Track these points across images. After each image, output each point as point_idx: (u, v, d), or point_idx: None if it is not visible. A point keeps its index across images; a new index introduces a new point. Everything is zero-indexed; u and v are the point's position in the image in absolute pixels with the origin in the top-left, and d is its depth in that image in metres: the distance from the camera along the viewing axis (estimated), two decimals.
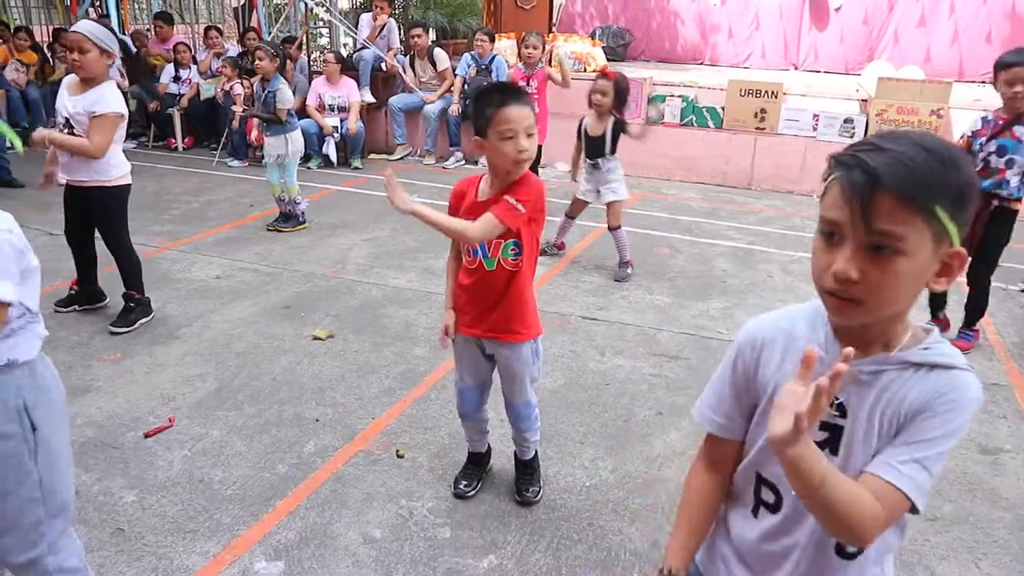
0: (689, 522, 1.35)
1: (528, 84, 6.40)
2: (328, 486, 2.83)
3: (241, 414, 3.31)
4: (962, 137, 3.94)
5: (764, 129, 7.76)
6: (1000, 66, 3.67)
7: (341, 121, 8.14)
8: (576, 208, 5.31)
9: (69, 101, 3.81)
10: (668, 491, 2.84)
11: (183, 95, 8.91)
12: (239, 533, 2.57)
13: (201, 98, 8.86)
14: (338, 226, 6.09)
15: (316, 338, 4.03)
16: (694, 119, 8.07)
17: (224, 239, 5.72)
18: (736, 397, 1.30)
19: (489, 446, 2.91)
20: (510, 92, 2.29)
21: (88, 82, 3.79)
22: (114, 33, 3.92)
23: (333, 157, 8.16)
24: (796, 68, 11.02)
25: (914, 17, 10.24)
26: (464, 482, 2.81)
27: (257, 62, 5.77)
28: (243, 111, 6.61)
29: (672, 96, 8.13)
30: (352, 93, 8.24)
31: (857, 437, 1.15)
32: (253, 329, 4.14)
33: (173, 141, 9.00)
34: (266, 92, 5.76)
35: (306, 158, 8.22)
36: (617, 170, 5.01)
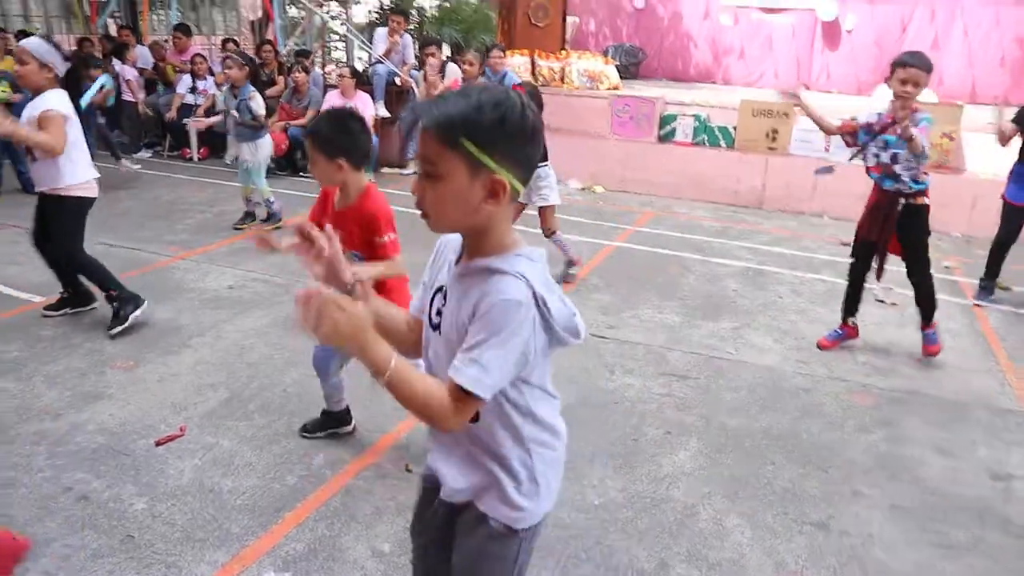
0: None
1: None
2: (337, 499, 2.84)
3: (252, 424, 3.33)
4: (853, 119, 4.11)
5: (775, 149, 7.77)
6: (898, 64, 3.83)
7: None
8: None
9: (25, 110, 3.97)
10: (676, 511, 2.84)
11: (199, 106, 8.99)
12: (248, 543, 2.58)
13: (217, 109, 8.94)
14: None
15: None
16: (706, 138, 8.10)
17: (237, 249, 5.76)
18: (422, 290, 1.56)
19: None
20: (314, 124, 2.82)
21: (34, 92, 3.96)
22: (62, 51, 4.05)
23: None
24: (808, 88, 11.05)
25: (927, 40, 10.27)
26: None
27: (226, 70, 5.98)
28: (216, 119, 6.81)
29: (684, 115, 8.16)
30: (366, 107, 8.29)
31: (448, 320, 1.41)
32: (265, 340, 4.17)
33: (188, 151, 9.08)
34: (239, 100, 5.99)
35: None
36: (548, 176, 5.12)
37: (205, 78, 9.17)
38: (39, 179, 4.04)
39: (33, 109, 3.91)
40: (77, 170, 4.03)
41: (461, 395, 1.32)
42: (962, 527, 2.83)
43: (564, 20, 10.24)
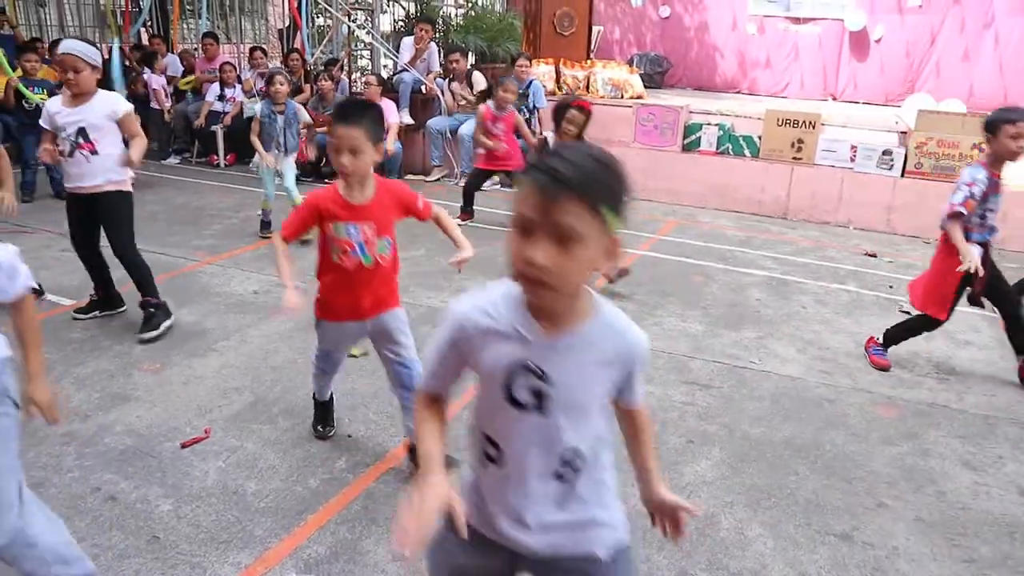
0: (432, 436, 1.54)
1: (495, 124, 6.75)
2: (359, 502, 2.86)
3: (275, 428, 3.37)
4: (970, 198, 3.82)
5: (801, 159, 7.73)
6: (1007, 120, 3.75)
7: None
8: None
9: (76, 112, 4.00)
10: (697, 521, 2.82)
11: (227, 113, 9.13)
12: (271, 545, 2.61)
13: (244, 116, 9.07)
14: None
15: (351, 355, 4.08)
16: (730, 148, 8.07)
17: (262, 255, 5.82)
18: (443, 364, 1.53)
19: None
20: (344, 111, 2.66)
21: (81, 96, 4.00)
22: (94, 45, 4.14)
23: None
24: (835, 99, 10.97)
25: (957, 50, 10.16)
26: (319, 426, 3.36)
27: (277, 87, 6.02)
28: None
29: (709, 124, 8.14)
30: (391, 115, 8.36)
31: (562, 398, 1.39)
32: (289, 344, 4.21)
33: (216, 158, 9.21)
34: (287, 115, 6.12)
35: None
36: None
37: (233, 86, 9.30)
38: (99, 175, 4.07)
39: (110, 108, 4.03)
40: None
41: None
42: (989, 543, 2.79)
43: (589, 29, 10.26)
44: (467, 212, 7.03)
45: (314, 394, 3.33)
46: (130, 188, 4.26)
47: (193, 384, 3.74)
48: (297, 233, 2.81)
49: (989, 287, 3.99)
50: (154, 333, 4.18)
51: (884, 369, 4.18)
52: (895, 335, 4.24)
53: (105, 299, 4.48)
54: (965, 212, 3.80)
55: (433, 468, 1.42)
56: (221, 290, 5.04)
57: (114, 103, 4.09)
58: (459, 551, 1.53)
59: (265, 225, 6.42)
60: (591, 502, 1.51)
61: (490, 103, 6.86)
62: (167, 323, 4.28)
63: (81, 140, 3.99)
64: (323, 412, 3.35)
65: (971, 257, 3.70)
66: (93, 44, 4.14)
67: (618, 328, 1.43)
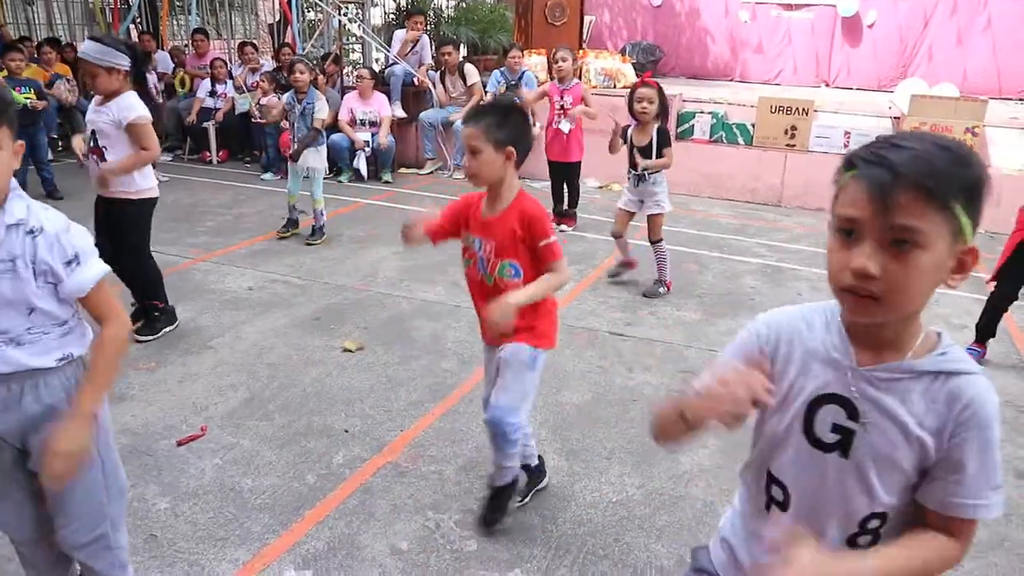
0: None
1: (562, 98, 6.38)
2: (356, 497, 2.86)
3: (272, 424, 3.36)
4: None
5: (794, 146, 7.72)
6: None
7: (372, 135, 8.24)
8: (622, 222, 5.08)
9: (94, 113, 3.89)
10: (695, 508, 2.83)
11: (219, 109, 9.09)
12: (269, 542, 2.61)
13: (236, 112, 9.04)
14: (368, 239, 6.16)
15: (346, 350, 4.08)
16: (724, 136, 8.06)
17: (256, 251, 5.81)
18: None
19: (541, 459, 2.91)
20: (473, 111, 2.51)
21: (109, 96, 3.86)
22: (121, 47, 3.83)
23: (364, 171, 8.27)
24: (828, 85, 10.97)
25: (950, 33, 10.15)
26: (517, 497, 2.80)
27: (297, 75, 5.87)
28: (285, 128, 6.65)
29: (702, 112, 8.13)
30: (383, 108, 8.34)
31: (871, 442, 1.16)
32: (284, 340, 4.20)
33: (208, 154, 9.18)
34: (304, 105, 5.88)
35: (337, 172, 8.35)
36: (663, 182, 4.90)
37: (224, 82, 9.26)
38: (108, 183, 3.94)
39: (119, 113, 3.83)
40: (147, 171, 4.03)
41: (967, 530, 1.18)
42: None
43: (581, 18, 10.23)
44: (568, 216, 6.68)
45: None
46: (146, 196, 4.04)
47: (189, 382, 3.73)
48: (438, 235, 2.55)
49: None
50: (151, 337, 4.16)
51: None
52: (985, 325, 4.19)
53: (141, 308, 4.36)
54: None
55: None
56: (216, 287, 5.03)
57: (123, 110, 3.80)
58: None
59: (291, 223, 6.17)
60: None
61: (554, 80, 6.50)
62: (167, 329, 4.26)
63: (93, 143, 3.89)
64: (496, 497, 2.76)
65: None
66: (121, 43, 3.86)
67: (955, 377, 1.14)
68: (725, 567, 1.39)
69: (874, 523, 1.20)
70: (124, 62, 3.76)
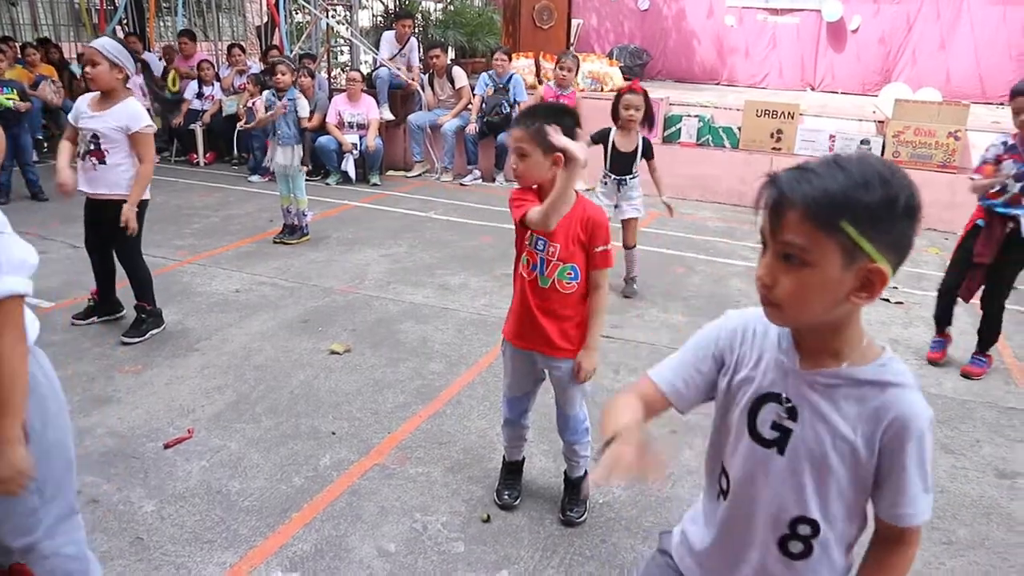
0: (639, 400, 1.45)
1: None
2: (344, 499, 2.86)
3: (259, 427, 3.36)
4: (984, 163, 3.86)
5: (780, 150, 7.78)
6: (1015, 92, 3.69)
7: (360, 138, 8.24)
8: None
9: (95, 117, 3.92)
10: (681, 509, 2.83)
11: (206, 111, 9.05)
12: (256, 544, 2.61)
13: (223, 114, 9.01)
14: (356, 242, 6.16)
15: (333, 352, 4.08)
16: (710, 139, 8.11)
17: (243, 253, 5.80)
18: (696, 367, 1.43)
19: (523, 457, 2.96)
20: (522, 113, 2.47)
21: (107, 96, 3.92)
22: (133, 55, 4.04)
23: (352, 173, 8.25)
24: (813, 89, 11.06)
25: (933, 38, 10.27)
26: (507, 492, 2.86)
27: (279, 76, 5.90)
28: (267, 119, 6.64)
29: (689, 116, 8.17)
30: (371, 110, 8.34)
31: (806, 443, 1.23)
32: (271, 343, 4.20)
33: (195, 156, 9.14)
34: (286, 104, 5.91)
35: (325, 174, 8.33)
36: (639, 187, 5.02)
37: (212, 84, 9.23)
38: (102, 185, 4.00)
39: (125, 121, 3.90)
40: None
41: (916, 536, 1.25)
42: (967, 525, 2.84)
43: (569, 22, 10.26)
44: None
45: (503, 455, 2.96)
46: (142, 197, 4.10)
47: (175, 384, 3.72)
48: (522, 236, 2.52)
49: (995, 268, 3.95)
50: (136, 340, 4.15)
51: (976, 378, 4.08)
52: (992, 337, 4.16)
53: (103, 304, 4.42)
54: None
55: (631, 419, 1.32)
56: (202, 289, 5.02)
57: (132, 117, 3.92)
58: None
59: (289, 231, 6.07)
60: None
61: (550, 83, 6.50)
62: (153, 332, 4.25)
63: (93, 147, 3.92)
64: (508, 475, 2.94)
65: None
66: (135, 52, 4.01)
67: (890, 388, 1.22)
68: (678, 549, 1.48)
69: (804, 529, 1.26)
70: (130, 65, 3.95)
